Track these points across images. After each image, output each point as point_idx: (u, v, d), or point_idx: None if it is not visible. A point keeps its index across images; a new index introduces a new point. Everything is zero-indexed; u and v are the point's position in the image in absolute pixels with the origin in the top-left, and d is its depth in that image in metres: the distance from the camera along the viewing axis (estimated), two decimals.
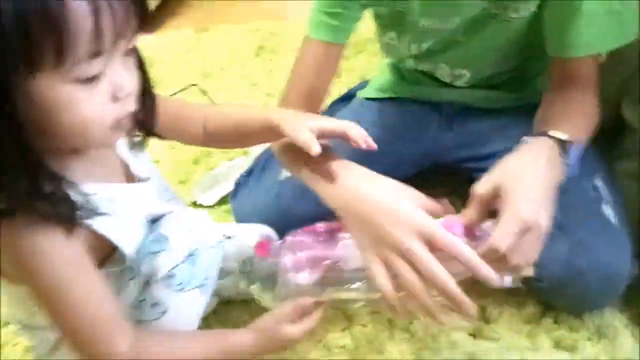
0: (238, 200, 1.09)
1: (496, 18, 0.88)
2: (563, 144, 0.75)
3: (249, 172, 1.12)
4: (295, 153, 0.77)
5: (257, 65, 1.79)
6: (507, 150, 0.96)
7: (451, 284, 0.63)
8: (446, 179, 1.17)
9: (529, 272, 0.69)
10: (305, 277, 0.80)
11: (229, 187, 1.20)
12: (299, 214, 0.89)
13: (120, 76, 0.58)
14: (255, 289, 0.82)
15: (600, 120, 0.84)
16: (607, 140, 0.88)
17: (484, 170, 1.00)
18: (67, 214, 0.60)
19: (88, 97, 0.56)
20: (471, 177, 1.08)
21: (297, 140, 0.70)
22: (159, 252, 0.71)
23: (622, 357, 0.83)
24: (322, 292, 0.80)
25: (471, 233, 0.69)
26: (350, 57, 1.70)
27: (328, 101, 1.32)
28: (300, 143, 0.70)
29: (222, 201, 1.21)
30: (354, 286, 0.79)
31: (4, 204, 0.57)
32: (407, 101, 1.10)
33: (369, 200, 0.71)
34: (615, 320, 0.88)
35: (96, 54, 0.54)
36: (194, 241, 0.73)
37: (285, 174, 1.03)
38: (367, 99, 1.15)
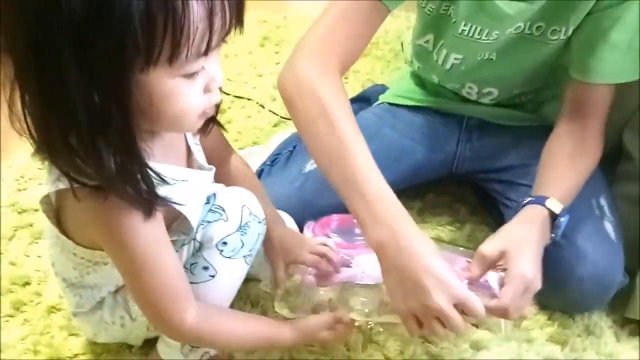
0: None
1: (531, 40, 0.99)
2: (554, 214, 0.92)
3: (273, 161, 1.19)
4: None
5: (262, 56, 1.86)
6: (519, 165, 1.14)
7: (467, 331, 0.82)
8: (452, 187, 1.33)
9: (519, 317, 0.89)
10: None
11: None
12: (321, 207, 1.00)
13: (214, 69, 0.66)
14: (277, 305, 0.96)
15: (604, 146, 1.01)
16: (608, 163, 1.04)
17: (494, 181, 1.18)
18: (149, 200, 0.68)
19: (189, 90, 0.64)
20: (475, 186, 1.26)
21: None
22: (215, 221, 0.82)
23: (606, 352, 1.00)
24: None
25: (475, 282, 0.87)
26: None
27: None
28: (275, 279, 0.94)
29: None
30: (357, 307, 0.92)
31: (94, 182, 0.64)
32: (429, 110, 1.21)
33: (418, 261, 0.77)
34: (602, 321, 1.05)
35: (205, 52, 0.61)
36: (246, 214, 0.84)
37: (310, 166, 1.11)
38: (390, 103, 1.25)
